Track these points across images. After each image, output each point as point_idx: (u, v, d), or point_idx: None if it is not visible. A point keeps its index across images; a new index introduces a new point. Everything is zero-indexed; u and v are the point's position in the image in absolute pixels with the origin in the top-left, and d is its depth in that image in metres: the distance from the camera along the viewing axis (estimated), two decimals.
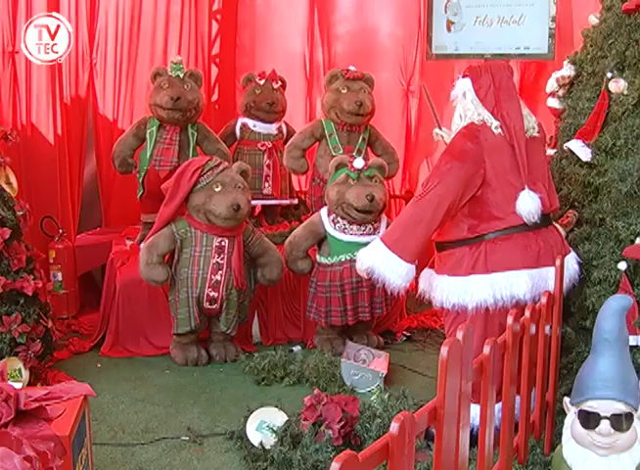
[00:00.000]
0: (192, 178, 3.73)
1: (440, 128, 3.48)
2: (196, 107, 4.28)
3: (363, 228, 3.90)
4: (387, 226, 3.98)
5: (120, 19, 4.80)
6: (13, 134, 3.89)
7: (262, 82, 4.70)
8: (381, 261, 2.83)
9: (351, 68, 4.48)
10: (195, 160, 3.90)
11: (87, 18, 4.64)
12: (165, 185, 3.84)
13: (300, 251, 4.01)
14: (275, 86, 4.72)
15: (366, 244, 3.83)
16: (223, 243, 3.78)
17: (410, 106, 5.36)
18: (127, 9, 4.81)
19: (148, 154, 4.28)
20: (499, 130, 2.80)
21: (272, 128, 4.75)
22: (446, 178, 2.76)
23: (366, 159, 4.00)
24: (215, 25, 5.38)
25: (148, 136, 4.30)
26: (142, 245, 3.92)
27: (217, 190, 3.72)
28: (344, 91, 4.38)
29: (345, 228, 3.90)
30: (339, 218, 3.91)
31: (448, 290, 2.83)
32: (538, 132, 2.92)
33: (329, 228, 3.95)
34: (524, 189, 2.77)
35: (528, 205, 2.75)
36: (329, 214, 3.96)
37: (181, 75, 4.26)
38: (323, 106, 4.51)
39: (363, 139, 4.51)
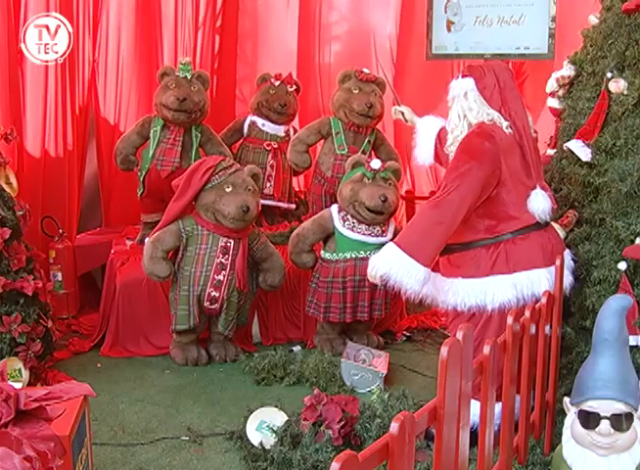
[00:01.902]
0: (203, 177, 3.73)
1: (399, 105, 3.49)
2: (201, 109, 4.28)
3: (372, 229, 3.91)
4: (394, 230, 3.99)
5: (123, 19, 4.79)
6: (13, 134, 3.89)
7: (277, 83, 4.70)
8: (398, 267, 2.70)
9: (365, 70, 4.48)
10: (208, 159, 3.91)
11: (90, 18, 4.63)
12: (176, 181, 3.84)
13: (307, 244, 4.02)
14: (289, 89, 4.73)
15: (373, 244, 3.89)
16: (229, 244, 3.78)
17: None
18: (129, 9, 4.81)
19: (150, 153, 4.28)
20: (509, 130, 2.80)
21: (280, 130, 4.75)
22: (467, 179, 2.71)
23: (383, 161, 4.01)
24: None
25: (151, 135, 4.30)
26: (146, 240, 3.91)
27: (228, 190, 3.73)
28: (356, 92, 4.38)
29: (354, 226, 3.92)
30: (349, 216, 3.93)
31: (464, 292, 2.80)
32: (534, 132, 2.94)
33: (338, 225, 3.96)
34: (535, 188, 2.80)
35: (542, 203, 2.78)
36: (339, 211, 3.98)
37: (189, 76, 4.26)
38: (333, 104, 4.51)
39: (369, 142, 4.51)
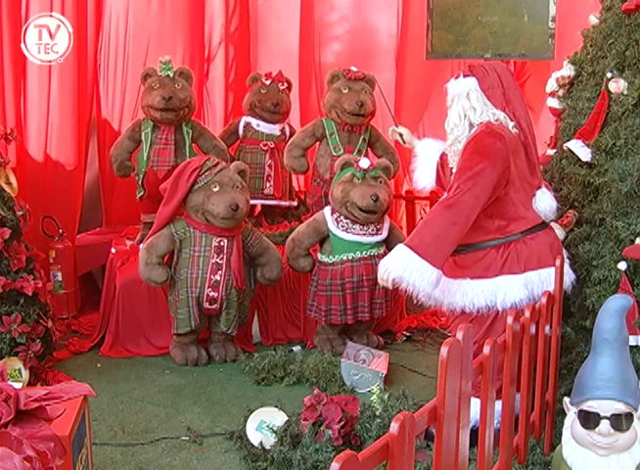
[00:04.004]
0: (190, 178, 3.72)
1: (397, 126, 3.45)
2: (188, 105, 4.27)
3: (366, 228, 3.91)
4: (389, 228, 3.99)
5: (127, 20, 4.80)
6: (13, 134, 3.89)
7: (268, 83, 4.69)
8: (412, 269, 2.64)
9: (353, 68, 4.48)
10: (193, 160, 3.89)
11: (92, 18, 4.64)
12: (164, 186, 3.83)
13: (303, 248, 4.01)
14: (281, 87, 4.71)
15: (368, 244, 3.88)
16: (222, 243, 3.78)
17: None
18: (133, 9, 4.81)
19: (145, 155, 4.28)
20: (515, 130, 2.80)
21: (275, 129, 4.75)
22: (481, 179, 2.69)
23: (372, 159, 4.00)
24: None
25: (143, 138, 4.29)
26: (141, 246, 3.91)
27: (215, 190, 3.71)
28: (346, 91, 4.37)
29: (348, 227, 3.91)
30: (342, 217, 3.92)
31: (473, 293, 2.78)
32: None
33: (332, 227, 3.95)
34: (540, 188, 2.81)
35: (548, 202, 2.81)
36: (332, 213, 3.97)
37: (171, 75, 4.25)
38: (324, 105, 4.51)
39: (364, 140, 4.51)
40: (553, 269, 2.75)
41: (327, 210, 4.02)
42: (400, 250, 2.70)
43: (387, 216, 4.04)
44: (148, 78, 4.27)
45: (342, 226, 3.92)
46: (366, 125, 4.51)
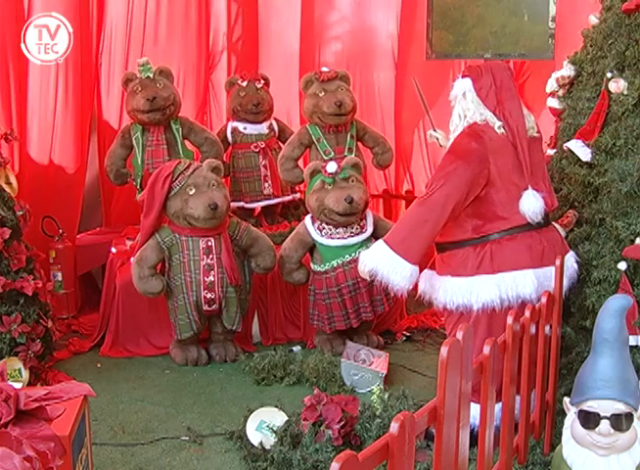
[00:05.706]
0: (164, 186, 3.69)
1: (435, 130, 3.44)
2: (173, 102, 4.27)
3: (350, 229, 3.89)
4: (373, 222, 3.99)
5: (126, 20, 4.79)
6: (13, 134, 3.89)
7: (245, 84, 4.65)
8: (385, 263, 2.78)
9: (324, 68, 4.46)
10: (164, 167, 3.83)
11: (94, 18, 4.63)
12: (141, 197, 3.82)
13: (293, 263, 4.00)
14: (259, 86, 4.67)
15: (355, 245, 3.87)
16: (210, 243, 3.77)
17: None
18: (134, 10, 4.81)
19: (139, 160, 4.28)
20: (502, 130, 2.80)
21: (263, 128, 4.72)
22: (452, 178, 2.74)
23: (338, 160, 3.95)
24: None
25: (134, 142, 4.30)
26: (131, 260, 3.90)
27: (192, 193, 3.68)
28: (322, 94, 4.35)
29: (332, 233, 3.89)
30: (323, 225, 3.90)
31: (452, 291, 2.82)
32: (537, 132, 2.94)
33: (316, 236, 3.93)
34: (527, 189, 2.79)
35: (533, 204, 2.77)
36: (313, 222, 3.95)
37: (151, 75, 4.25)
38: (305, 113, 4.49)
39: (351, 136, 4.49)
40: (529, 272, 2.74)
41: (307, 220, 3.99)
42: (378, 244, 2.88)
43: (368, 211, 4.01)
44: (129, 83, 4.28)
45: (326, 233, 3.90)
46: (350, 122, 4.49)
